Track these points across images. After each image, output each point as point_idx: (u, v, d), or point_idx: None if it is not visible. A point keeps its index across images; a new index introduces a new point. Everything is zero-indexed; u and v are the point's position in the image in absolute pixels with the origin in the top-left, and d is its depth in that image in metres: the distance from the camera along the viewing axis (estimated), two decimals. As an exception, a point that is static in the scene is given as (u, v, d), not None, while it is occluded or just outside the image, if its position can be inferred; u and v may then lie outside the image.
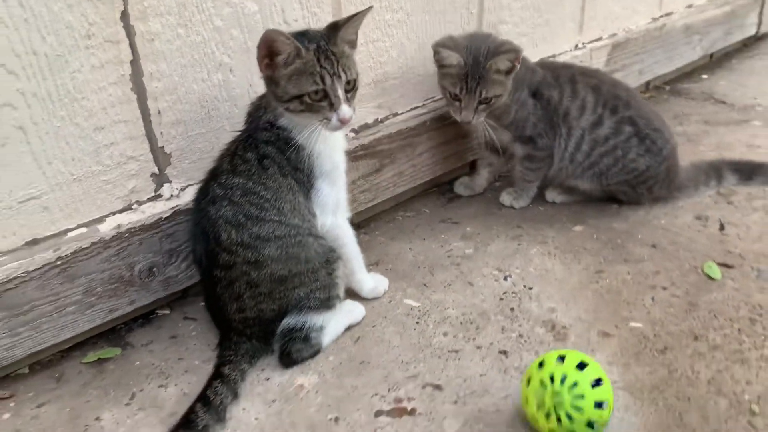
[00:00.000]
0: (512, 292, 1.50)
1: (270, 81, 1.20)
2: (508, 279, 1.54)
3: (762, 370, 1.24)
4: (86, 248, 1.27)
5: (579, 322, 1.39)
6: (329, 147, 1.29)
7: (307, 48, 1.16)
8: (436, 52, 1.61)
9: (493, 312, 1.43)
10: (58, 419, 1.22)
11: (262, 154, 1.24)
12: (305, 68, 1.17)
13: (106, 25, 1.18)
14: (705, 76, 2.77)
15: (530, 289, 1.50)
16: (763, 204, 1.79)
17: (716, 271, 1.53)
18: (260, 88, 1.41)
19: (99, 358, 1.36)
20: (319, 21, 1.46)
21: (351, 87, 1.22)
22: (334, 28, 1.24)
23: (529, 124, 1.70)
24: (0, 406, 1.26)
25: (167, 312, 1.49)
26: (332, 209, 1.32)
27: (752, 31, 2.98)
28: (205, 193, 1.24)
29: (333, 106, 1.20)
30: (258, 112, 1.28)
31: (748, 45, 3.09)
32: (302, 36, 1.19)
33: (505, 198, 1.86)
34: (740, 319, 1.37)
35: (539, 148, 1.72)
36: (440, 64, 1.63)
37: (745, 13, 2.86)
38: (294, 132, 1.25)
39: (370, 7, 1.26)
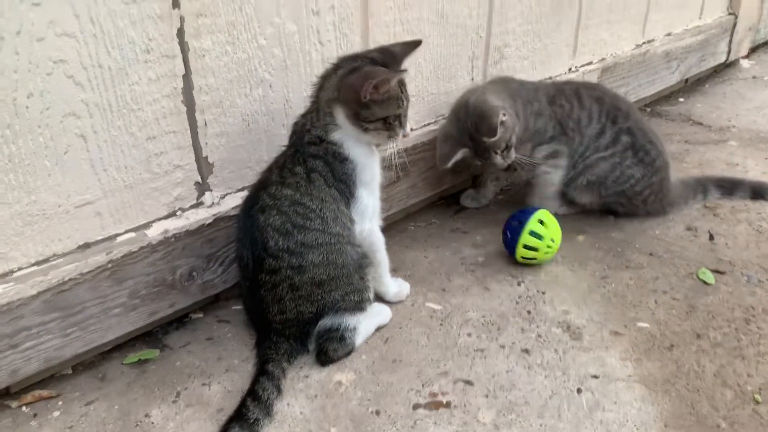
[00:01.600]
0: (527, 296, 1.60)
1: (361, 105, 1.30)
2: (522, 284, 1.65)
3: (760, 364, 1.36)
4: (135, 252, 1.33)
5: (591, 322, 1.50)
6: (371, 160, 1.41)
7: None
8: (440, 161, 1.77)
9: (511, 314, 1.54)
10: (109, 416, 1.27)
11: (311, 168, 1.33)
12: (393, 94, 1.32)
13: (164, 41, 1.26)
14: (682, 100, 2.96)
15: (543, 293, 1.61)
16: (746, 217, 1.94)
17: (710, 277, 1.67)
18: (295, 104, 1.51)
19: (140, 359, 1.42)
20: (348, 41, 1.56)
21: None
22: (393, 56, 1.37)
23: (550, 126, 1.83)
24: (48, 405, 1.30)
25: (200, 316, 1.56)
26: (369, 216, 1.42)
27: (723, 59, 3.19)
28: (255, 202, 1.32)
29: (402, 125, 1.37)
30: (304, 128, 1.37)
31: (718, 71, 3.30)
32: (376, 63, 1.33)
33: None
34: (736, 320, 1.50)
35: (562, 142, 1.86)
36: None
37: (717, 41, 3.06)
38: (344, 146, 1.35)
39: (420, 41, 1.41)
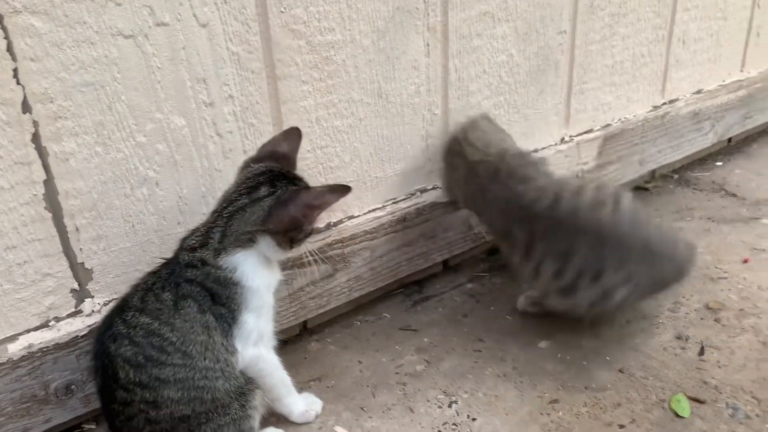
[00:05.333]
0: (453, 424, 1.38)
1: (299, 230, 1.23)
2: (453, 405, 1.43)
3: None
4: (-7, 369, 1.23)
5: (516, 466, 1.26)
6: (264, 284, 1.26)
7: None
8: None
9: (425, 447, 1.32)
10: None
11: (182, 294, 1.19)
12: None
13: (15, 148, 1.16)
14: (719, 163, 2.60)
15: (473, 420, 1.38)
16: (755, 324, 1.62)
17: (685, 408, 1.38)
18: (192, 200, 1.39)
19: (9, 479, 1.32)
20: (257, 131, 1.42)
21: None
22: (287, 159, 1.29)
23: None
24: None
25: (92, 426, 1.44)
26: (254, 341, 1.25)
27: (776, 114, 2.81)
28: (108, 327, 1.20)
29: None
30: (185, 247, 1.24)
31: (773, 127, 2.90)
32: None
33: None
34: (701, 473, 1.22)
35: None
36: None
37: (766, 96, 2.68)
38: (238, 271, 1.21)
39: (298, 130, 1.34)
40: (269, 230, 1.20)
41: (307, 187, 1.23)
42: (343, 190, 1.21)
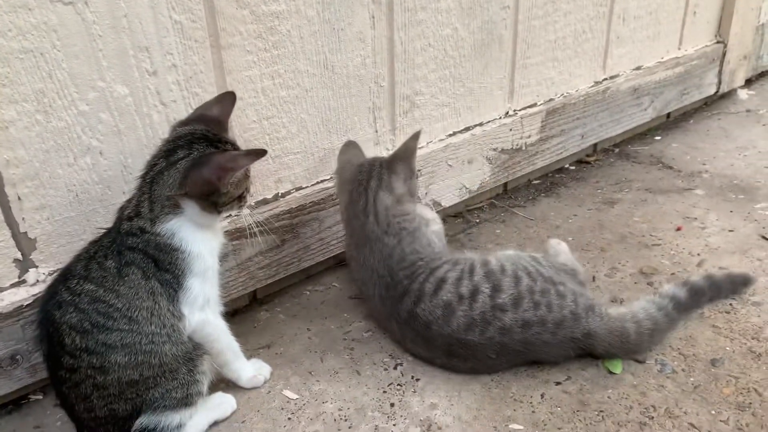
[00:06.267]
0: (398, 384, 1.43)
1: (218, 194, 1.22)
2: (399, 367, 1.48)
3: (636, 486, 1.16)
4: (-65, 339, 1.22)
5: (458, 422, 1.32)
6: (208, 247, 1.28)
7: None
8: None
9: (371, 407, 1.36)
10: None
11: (126, 261, 1.20)
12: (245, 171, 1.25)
13: (-48, 116, 1.15)
14: (658, 138, 2.71)
15: (417, 380, 1.43)
16: (684, 286, 1.71)
17: (617, 365, 1.45)
18: (137, 169, 1.38)
19: (-46, 450, 1.31)
20: (202, 101, 1.42)
21: None
22: (218, 123, 1.29)
23: None
24: None
25: (39, 397, 1.44)
26: (201, 305, 1.27)
27: (712, 91, 2.91)
28: (52, 295, 1.20)
29: (248, 190, 1.30)
30: (124, 216, 1.24)
31: (709, 104, 3.01)
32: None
33: None
34: (629, 423, 1.29)
35: None
36: None
37: (702, 73, 2.79)
38: (176, 237, 1.22)
39: (233, 93, 1.35)
40: (188, 194, 1.21)
41: (223, 150, 1.23)
42: (257, 153, 1.22)
